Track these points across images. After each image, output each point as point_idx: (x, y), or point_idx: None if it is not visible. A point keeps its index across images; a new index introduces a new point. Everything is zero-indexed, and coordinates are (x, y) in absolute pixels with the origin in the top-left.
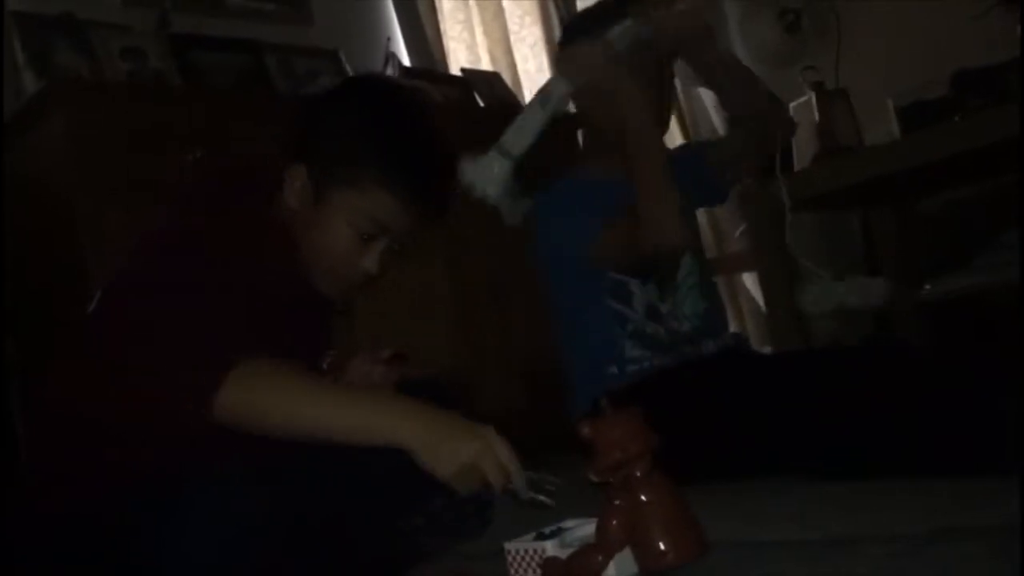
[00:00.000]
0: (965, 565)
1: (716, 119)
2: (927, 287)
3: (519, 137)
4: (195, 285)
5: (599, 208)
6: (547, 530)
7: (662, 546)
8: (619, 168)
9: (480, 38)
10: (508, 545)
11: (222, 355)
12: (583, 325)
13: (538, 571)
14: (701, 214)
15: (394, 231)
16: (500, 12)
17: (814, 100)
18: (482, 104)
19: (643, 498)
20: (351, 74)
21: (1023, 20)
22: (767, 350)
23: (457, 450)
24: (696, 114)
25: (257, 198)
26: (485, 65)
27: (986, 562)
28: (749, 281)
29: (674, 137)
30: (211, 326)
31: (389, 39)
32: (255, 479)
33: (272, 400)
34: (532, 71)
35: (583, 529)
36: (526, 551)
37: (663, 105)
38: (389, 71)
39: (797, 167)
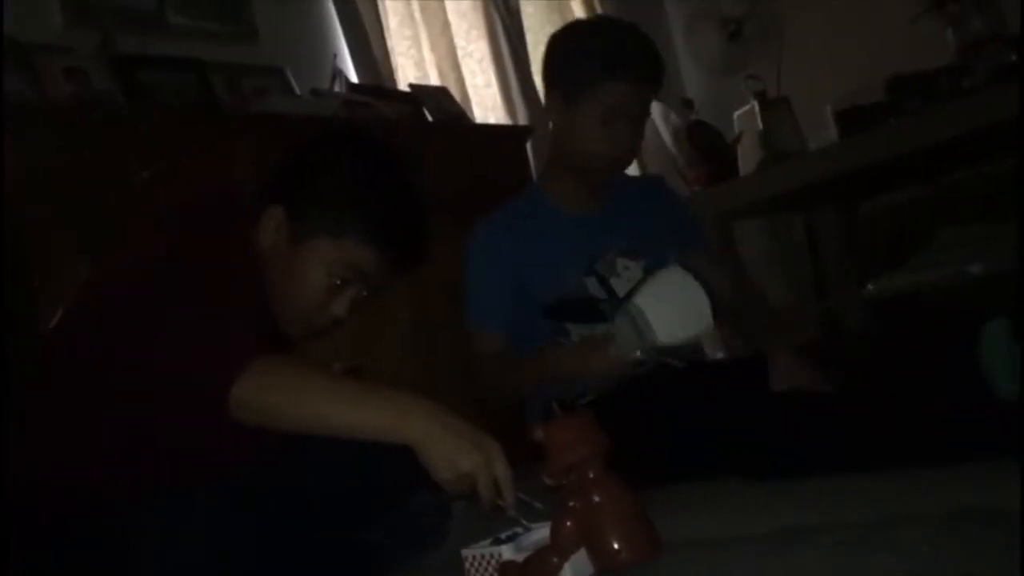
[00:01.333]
0: (913, 550)
1: (664, 132)
2: (869, 287)
3: None
4: (201, 293)
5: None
6: (503, 535)
7: (616, 546)
8: (572, 200)
9: (427, 54)
10: (465, 551)
11: (237, 353)
12: (526, 338)
13: (495, 575)
14: None
15: (369, 280)
16: (447, 28)
17: (757, 108)
18: (431, 119)
19: (596, 499)
20: (297, 91)
21: None
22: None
23: (458, 458)
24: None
25: (239, 231)
26: (433, 80)
27: (933, 546)
28: None
29: None
30: (222, 328)
31: (336, 56)
32: (213, 497)
33: (286, 395)
34: (480, 85)
35: (538, 533)
36: (483, 556)
37: None
38: (336, 87)
39: (743, 174)
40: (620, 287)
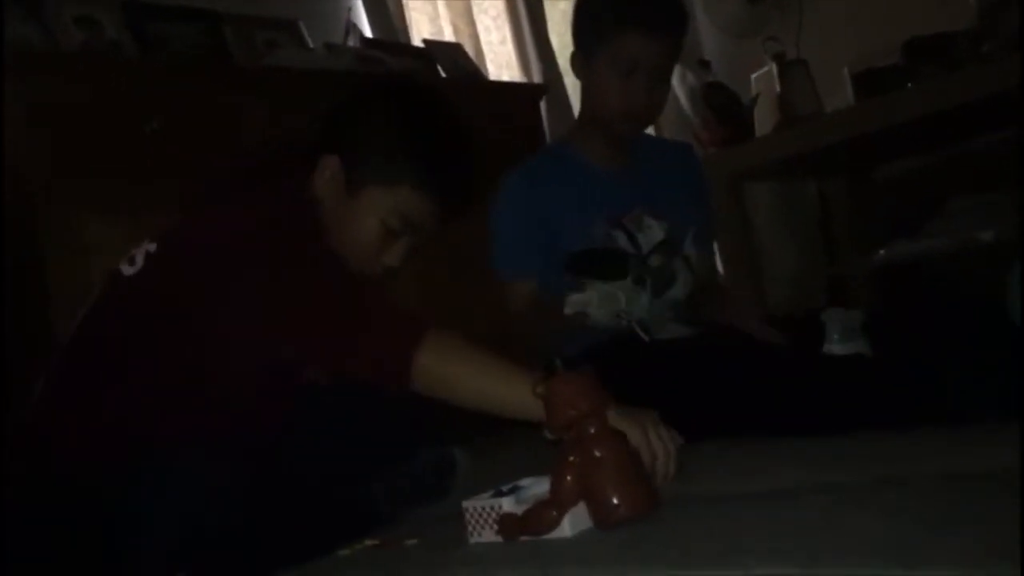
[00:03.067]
0: (909, 507)
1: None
2: (880, 253)
3: None
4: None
5: (562, 186)
6: (504, 488)
7: (615, 500)
8: (601, 156)
9: (442, 9)
10: (466, 503)
11: (412, 326)
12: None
13: (495, 527)
14: None
15: (421, 230)
16: None
17: (775, 70)
18: (444, 75)
19: (596, 454)
20: (311, 44)
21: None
22: None
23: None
24: None
25: (296, 190)
26: (447, 36)
27: (928, 507)
28: None
29: None
30: (383, 302)
31: (350, 9)
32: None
33: (462, 369)
34: (495, 42)
35: (538, 486)
36: (483, 508)
37: None
38: (350, 42)
39: (758, 135)
40: (645, 244)
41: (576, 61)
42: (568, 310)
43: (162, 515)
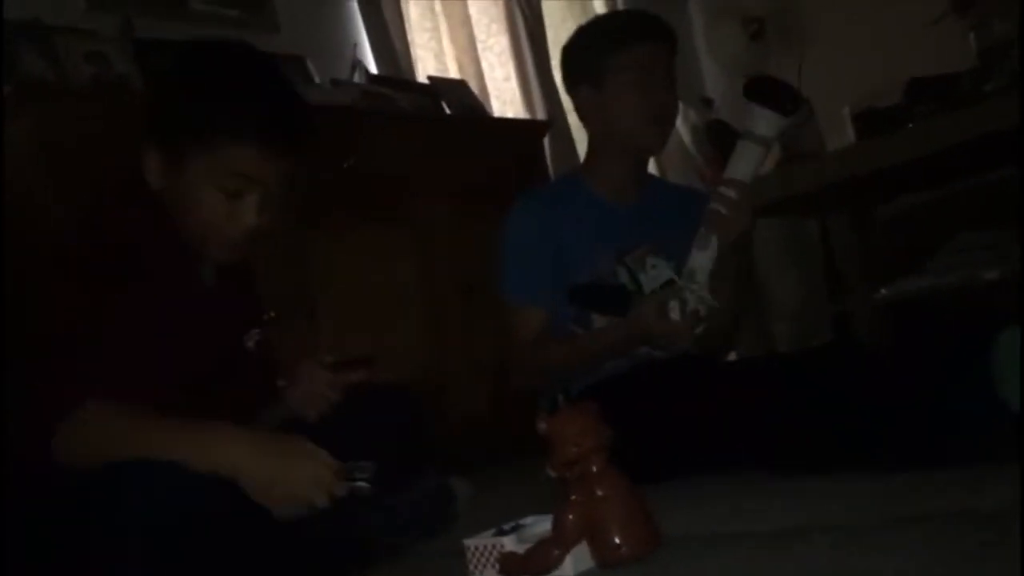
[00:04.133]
0: (910, 551)
1: (683, 130)
2: (883, 291)
3: None
4: (77, 315)
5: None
6: (506, 526)
7: (617, 540)
8: (611, 191)
9: (447, 46)
10: (467, 541)
11: (67, 398)
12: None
13: (496, 566)
14: None
15: (259, 180)
16: (467, 21)
17: None
18: (449, 111)
19: (599, 493)
20: (317, 80)
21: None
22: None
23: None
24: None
25: (133, 201)
26: (452, 73)
27: (940, 547)
28: None
29: None
30: (71, 364)
31: (356, 46)
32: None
33: (99, 448)
34: (499, 79)
35: (540, 525)
36: (485, 547)
37: None
38: (356, 78)
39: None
40: (647, 283)
41: (583, 99)
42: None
43: (140, 533)
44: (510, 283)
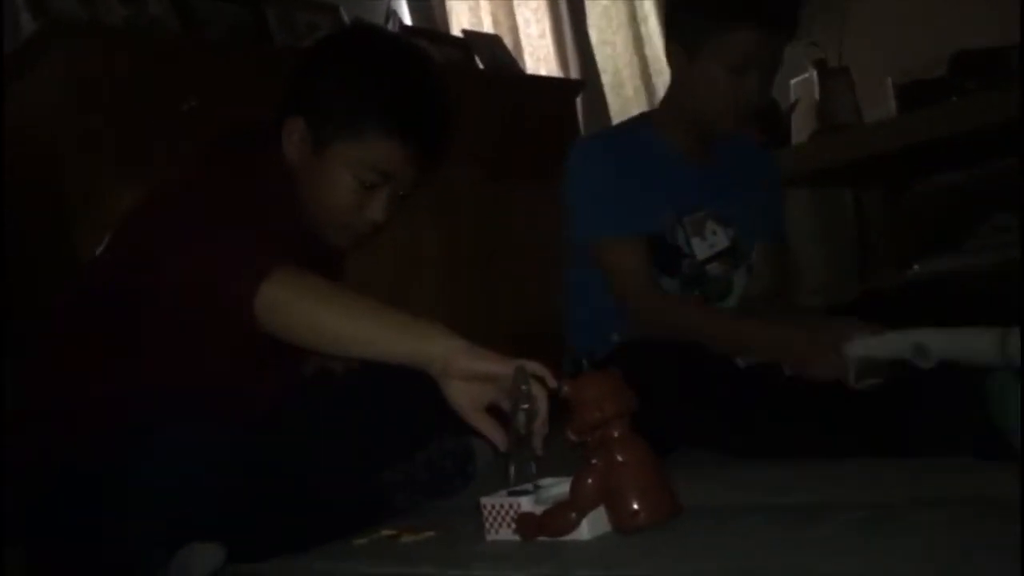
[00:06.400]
0: (931, 532)
1: None
2: (915, 268)
3: None
4: (229, 212)
5: (637, 171)
6: (522, 486)
7: (635, 506)
8: (681, 147)
9: (483, 0)
10: (484, 500)
11: (263, 260)
12: (592, 287)
13: (512, 526)
14: None
15: (397, 178)
16: None
17: (815, 77)
18: (481, 67)
19: (619, 458)
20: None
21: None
22: None
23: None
24: None
25: (267, 153)
26: (487, 27)
27: (965, 530)
28: None
29: None
30: (248, 239)
31: None
32: (233, 422)
33: (311, 302)
34: (534, 35)
35: (558, 487)
36: (501, 506)
37: None
38: (390, 28)
39: (795, 143)
40: (700, 249)
41: (674, 57)
42: None
43: (158, 482)
44: (597, 220)
